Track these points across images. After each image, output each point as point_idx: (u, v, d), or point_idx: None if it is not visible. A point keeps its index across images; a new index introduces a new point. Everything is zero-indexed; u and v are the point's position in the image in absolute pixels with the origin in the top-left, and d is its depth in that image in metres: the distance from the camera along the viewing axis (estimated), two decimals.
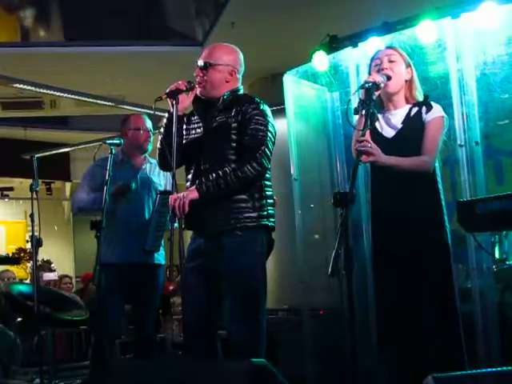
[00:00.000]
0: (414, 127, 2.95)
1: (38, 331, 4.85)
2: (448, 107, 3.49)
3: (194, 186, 2.91)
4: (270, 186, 3.03)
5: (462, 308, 3.01)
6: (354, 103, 2.75)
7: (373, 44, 3.90)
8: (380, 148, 2.72)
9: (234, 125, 2.95)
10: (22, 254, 9.80)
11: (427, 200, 2.93)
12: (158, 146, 3.09)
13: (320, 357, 4.19)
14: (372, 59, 3.06)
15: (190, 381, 2.24)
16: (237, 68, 3.07)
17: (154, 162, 3.99)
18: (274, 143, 2.99)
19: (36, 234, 4.19)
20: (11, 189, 10.59)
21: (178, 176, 2.88)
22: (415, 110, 2.98)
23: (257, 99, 3.01)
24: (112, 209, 3.51)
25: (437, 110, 2.96)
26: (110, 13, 5.82)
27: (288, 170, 4.39)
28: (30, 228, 4.34)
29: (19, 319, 5.81)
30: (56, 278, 7.07)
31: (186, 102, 3.03)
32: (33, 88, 6.64)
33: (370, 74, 3.02)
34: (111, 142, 3.63)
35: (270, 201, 3.01)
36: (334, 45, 4.21)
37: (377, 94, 2.77)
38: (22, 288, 5.40)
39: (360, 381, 2.31)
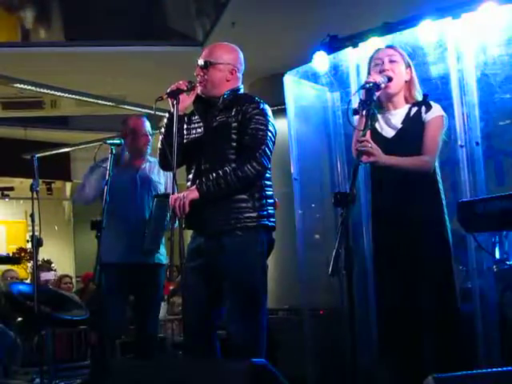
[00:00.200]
0: (413, 127, 2.95)
1: (38, 331, 4.86)
2: (448, 107, 3.49)
3: (194, 186, 2.91)
4: (270, 186, 3.03)
5: (462, 308, 3.01)
6: (355, 103, 2.75)
7: (373, 44, 3.90)
8: (380, 148, 2.72)
9: (235, 124, 2.95)
10: (22, 254, 9.80)
11: (428, 200, 2.93)
12: (159, 145, 3.09)
13: (320, 357, 4.19)
14: (372, 58, 3.06)
15: (190, 381, 2.24)
16: (237, 67, 3.07)
17: (153, 160, 4.00)
18: (274, 143, 2.99)
19: (36, 233, 4.19)
20: (12, 189, 10.58)
21: (179, 176, 2.88)
22: (415, 109, 2.99)
23: (257, 99, 3.01)
24: (111, 208, 3.51)
25: (436, 110, 2.96)
26: (110, 13, 5.81)
27: (288, 169, 4.39)
28: (30, 228, 4.35)
29: (19, 319, 5.82)
30: (54, 277, 7.08)
31: (186, 101, 3.03)
32: (33, 88, 6.65)
33: (369, 72, 3.02)
34: (111, 141, 3.63)
35: (270, 200, 3.01)
36: (334, 45, 4.20)
37: (377, 94, 2.78)
38: (23, 288, 5.40)
39: (360, 381, 2.31)
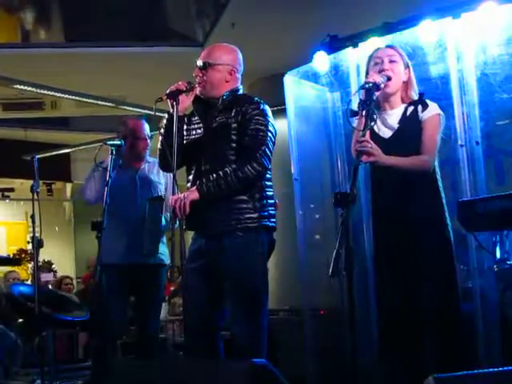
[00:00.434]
0: (410, 126, 2.95)
1: (38, 332, 4.85)
2: (448, 107, 3.49)
3: (194, 187, 2.91)
4: (270, 187, 3.02)
5: (462, 308, 3.01)
6: (355, 103, 2.75)
7: (373, 44, 3.90)
8: None
9: (234, 125, 2.95)
10: (22, 255, 9.78)
11: (428, 199, 2.93)
12: (159, 146, 3.09)
13: (321, 357, 4.19)
14: (371, 57, 3.06)
15: (191, 381, 2.24)
16: (236, 67, 3.06)
17: (153, 160, 3.99)
18: (274, 143, 2.98)
19: (37, 234, 4.19)
20: (12, 190, 10.58)
21: (178, 177, 2.88)
22: (411, 109, 2.98)
23: (257, 99, 3.01)
24: (112, 209, 3.51)
25: (433, 108, 2.96)
26: (110, 14, 5.82)
27: (288, 170, 4.39)
28: (30, 229, 4.33)
29: (20, 320, 5.82)
30: (54, 278, 7.08)
31: (186, 102, 3.02)
32: (33, 89, 6.66)
33: (368, 71, 3.02)
34: (112, 142, 3.63)
35: (271, 201, 3.01)
36: (334, 45, 4.21)
37: (377, 94, 2.78)
38: (23, 289, 5.40)
39: (360, 381, 2.31)
